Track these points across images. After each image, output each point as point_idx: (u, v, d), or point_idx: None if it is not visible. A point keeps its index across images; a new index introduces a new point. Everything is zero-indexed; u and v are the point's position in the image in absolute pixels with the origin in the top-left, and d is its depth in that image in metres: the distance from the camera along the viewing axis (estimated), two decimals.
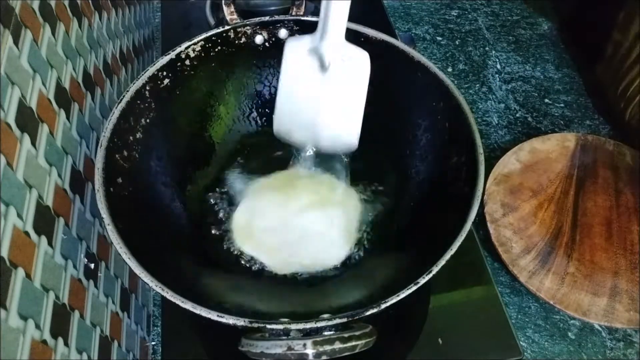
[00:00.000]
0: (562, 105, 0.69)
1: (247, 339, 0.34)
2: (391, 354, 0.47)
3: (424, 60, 0.49)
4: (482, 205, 0.55)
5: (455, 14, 0.79)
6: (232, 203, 0.54)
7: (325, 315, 0.34)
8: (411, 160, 0.52)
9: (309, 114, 0.46)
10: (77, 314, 0.37)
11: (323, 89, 0.46)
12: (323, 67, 0.46)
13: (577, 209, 0.57)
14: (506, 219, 0.55)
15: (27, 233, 0.32)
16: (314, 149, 0.46)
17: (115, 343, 0.42)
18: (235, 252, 0.50)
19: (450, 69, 0.72)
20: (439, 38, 0.76)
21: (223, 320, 0.33)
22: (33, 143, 0.35)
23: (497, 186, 0.57)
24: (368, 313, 0.34)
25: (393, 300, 0.35)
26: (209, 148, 0.55)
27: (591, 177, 0.60)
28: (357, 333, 0.33)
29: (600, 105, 0.69)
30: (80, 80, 0.45)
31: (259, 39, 0.54)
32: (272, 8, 0.67)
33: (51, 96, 0.39)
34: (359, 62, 0.46)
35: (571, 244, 0.55)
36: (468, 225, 0.38)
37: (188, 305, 0.34)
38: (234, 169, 0.55)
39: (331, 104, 0.46)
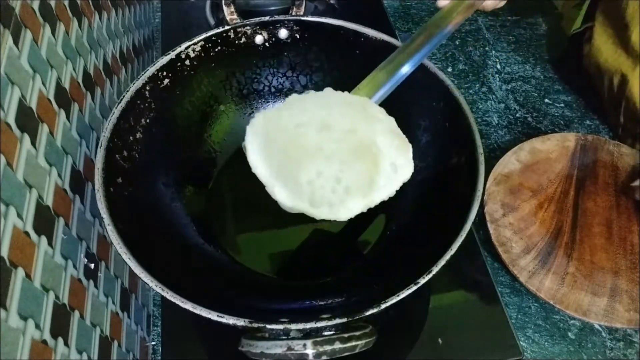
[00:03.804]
0: (562, 105, 0.69)
1: (247, 339, 0.34)
2: (391, 354, 0.47)
3: (424, 60, 0.49)
4: (482, 205, 0.55)
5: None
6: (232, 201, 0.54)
7: (325, 315, 0.34)
8: None
9: None
10: (77, 314, 0.37)
11: None
12: None
13: (577, 209, 0.57)
14: (506, 219, 0.55)
15: (27, 233, 0.32)
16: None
17: (115, 343, 0.42)
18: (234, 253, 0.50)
19: (450, 69, 0.73)
20: None
21: (223, 320, 0.33)
22: (33, 143, 0.35)
23: (497, 186, 0.57)
24: (368, 313, 0.34)
25: (393, 300, 0.35)
26: (209, 148, 0.55)
27: (591, 177, 0.60)
28: (357, 333, 0.33)
29: (598, 106, 0.68)
30: (80, 80, 0.45)
31: (259, 39, 0.54)
32: (272, 8, 0.67)
33: (51, 96, 0.39)
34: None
35: (571, 244, 0.55)
36: (468, 225, 0.38)
37: (188, 305, 0.34)
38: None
39: None
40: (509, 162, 0.59)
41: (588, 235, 0.56)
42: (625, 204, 0.58)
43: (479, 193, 0.40)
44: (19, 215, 0.32)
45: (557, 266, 0.53)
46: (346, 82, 0.56)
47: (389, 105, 0.53)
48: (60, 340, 0.33)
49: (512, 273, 0.51)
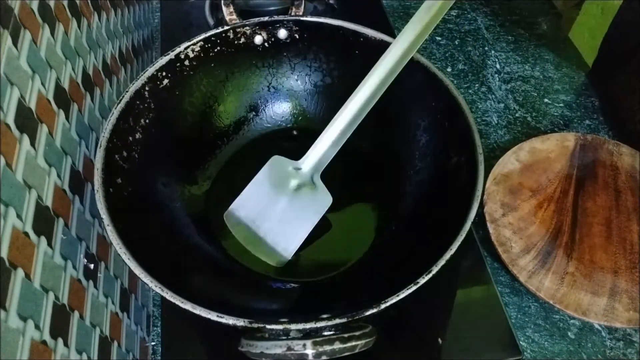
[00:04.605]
0: (561, 105, 0.69)
1: (247, 339, 0.34)
2: (391, 354, 0.47)
3: (423, 60, 0.49)
4: (481, 205, 0.55)
5: (454, 14, 0.79)
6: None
7: (325, 315, 0.34)
8: (411, 160, 0.52)
9: (259, 218, 0.49)
10: (76, 314, 0.37)
11: (282, 205, 0.50)
12: (293, 188, 0.50)
13: (576, 209, 0.57)
14: (506, 218, 0.55)
15: (26, 233, 0.32)
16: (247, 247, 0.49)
17: (115, 343, 0.42)
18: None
19: (449, 69, 0.73)
20: (438, 38, 0.76)
21: (223, 320, 0.33)
22: (32, 143, 0.35)
23: (497, 186, 0.57)
24: (368, 313, 0.34)
25: (393, 300, 0.35)
26: (208, 148, 0.55)
27: (591, 177, 0.60)
28: (357, 333, 0.33)
29: (610, 110, 0.68)
30: (79, 80, 0.45)
31: (258, 39, 0.54)
32: (271, 8, 0.67)
33: (50, 96, 0.39)
34: (322, 200, 0.49)
35: (571, 243, 0.55)
36: (468, 225, 0.38)
37: (188, 306, 0.34)
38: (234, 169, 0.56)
39: (282, 219, 0.49)
40: (509, 162, 0.59)
41: (588, 235, 0.56)
42: (624, 204, 0.58)
43: (478, 193, 0.40)
44: (19, 216, 0.32)
45: (557, 266, 0.53)
46: (345, 82, 0.56)
47: (389, 105, 0.54)
48: (60, 340, 0.33)
49: (511, 273, 0.51)
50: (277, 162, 0.50)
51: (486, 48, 0.75)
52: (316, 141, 0.49)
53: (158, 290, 0.35)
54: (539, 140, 0.61)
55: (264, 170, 0.50)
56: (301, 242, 0.48)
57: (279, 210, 0.49)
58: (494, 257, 0.55)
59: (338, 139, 0.48)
